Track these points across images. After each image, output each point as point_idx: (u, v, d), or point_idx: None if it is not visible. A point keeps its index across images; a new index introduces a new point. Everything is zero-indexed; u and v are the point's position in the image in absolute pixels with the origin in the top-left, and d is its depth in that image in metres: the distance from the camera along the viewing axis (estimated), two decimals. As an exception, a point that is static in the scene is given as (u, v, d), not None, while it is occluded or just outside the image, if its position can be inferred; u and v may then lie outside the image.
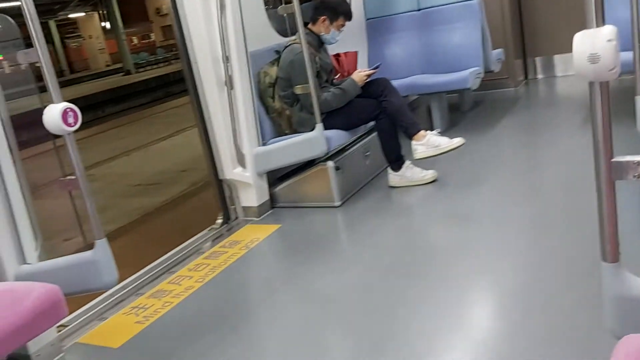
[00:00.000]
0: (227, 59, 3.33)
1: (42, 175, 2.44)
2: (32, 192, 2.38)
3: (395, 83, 4.51)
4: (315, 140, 3.32)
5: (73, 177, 2.03)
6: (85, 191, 2.04)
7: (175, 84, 17.21)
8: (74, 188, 2.05)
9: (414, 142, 3.47)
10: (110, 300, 2.86)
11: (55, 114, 1.85)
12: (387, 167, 3.65)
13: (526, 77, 6.22)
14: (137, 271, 3.17)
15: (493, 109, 5.30)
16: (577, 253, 2.45)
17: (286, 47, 3.55)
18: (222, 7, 3.25)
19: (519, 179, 3.52)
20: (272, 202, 3.69)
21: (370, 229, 3.15)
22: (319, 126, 3.30)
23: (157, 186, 5.92)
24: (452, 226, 3.06)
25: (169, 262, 3.20)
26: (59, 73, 23.83)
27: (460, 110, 5.35)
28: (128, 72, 21.40)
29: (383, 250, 2.87)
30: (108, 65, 26.60)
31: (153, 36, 29.27)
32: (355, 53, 3.89)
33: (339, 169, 3.49)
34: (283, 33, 3.96)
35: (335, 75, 3.83)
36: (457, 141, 3.41)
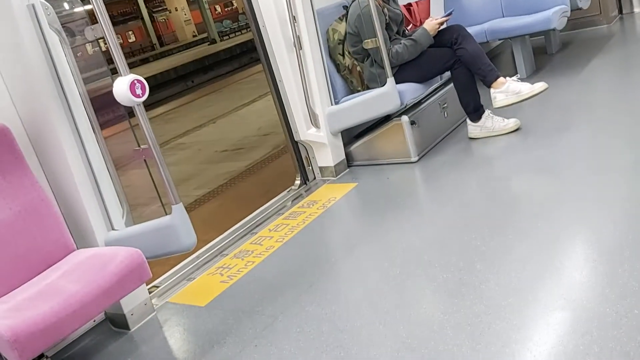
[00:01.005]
0: (294, 19, 3.31)
1: (121, 149, 2.57)
2: (115, 165, 2.51)
3: (473, 29, 4.34)
4: (387, 95, 3.25)
5: (146, 147, 2.11)
6: (157, 159, 2.12)
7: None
8: (148, 156, 2.14)
9: (492, 90, 3.33)
10: (197, 262, 3.01)
11: (123, 86, 1.93)
12: (465, 119, 3.53)
13: (620, 12, 5.73)
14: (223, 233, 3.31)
15: (583, 50, 4.94)
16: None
17: (353, 1, 3.47)
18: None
19: (612, 124, 3.24)
20: (348, 161, 3.69)
21: (449, 183, 3.08)
22: (391, 80, 3.23)
23: (242, 151, 6.08)
24: (539, 177, 2.91)
25: (251, 224, 3.30)
26: (150, 47, 24.76)
27: (547, 53, 5.03)
28: (213, 41, 21.82)
29: (463, 205, 2.79)
30: (194, 36, 27.25)
31: (235, 3, 29.60)
32: (428, 1, 3.74)
33: (414, 123, 3.41)
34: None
35: (408, 26, 3.71)
36: (540, 86, 3.22)
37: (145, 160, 2.27)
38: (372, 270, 2.44)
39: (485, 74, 3.33)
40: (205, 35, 23.69)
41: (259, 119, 7.24)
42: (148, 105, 10.32)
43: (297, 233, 3.00)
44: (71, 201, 2.36)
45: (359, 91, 3.58)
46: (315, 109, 3.48)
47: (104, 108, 2.42)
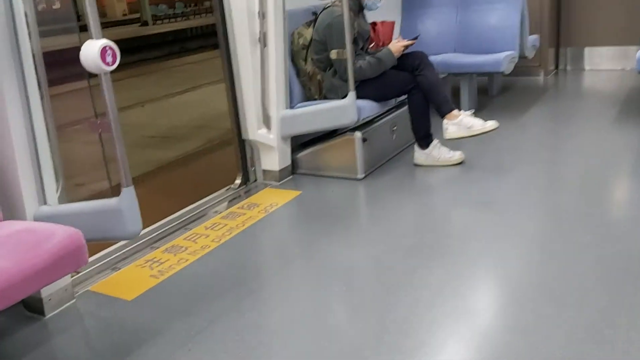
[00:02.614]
0: (263, 16, 3.21)
1: (71, 114, 2.35)
2: (59, 132, 2.30)
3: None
4: (346, 109, 3.22)
5: (105, 121, 1.93)
6: (117, 134, 1.96)
7: (192, 40, 17.00)
8: (105, 130, 1.96)
9: (445, 121, 3.37)
10: (124, 251, 2.81)
11: (93, 51, 1.76)
12: (413, 144, 3.56)
13: (557, 67, 6.07)
14: (152, 224, 3.12)
15: (522, 96, 5.18)
16: (603, 250, 2.37)
17: (324, 8, 3.42)
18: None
19: (544, 168, 3.46)
20: (294, 168, 3.61)
21: (391, 206, 3.07)
22: (352, 94, 3.19)
23: (172, 140, 5.83)
24: (473, 211, 2.98)
25: (184, 219, 3.14)
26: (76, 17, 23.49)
27: (489, 95, 5.22)
28: (145, 23, 21.10)
29: (402, 230, 2.80)
30: (124, 15, 26.25)
31: (173, -11, 28.87)
32: (393, 23, 3.75)
33: (366, 140, 3.39)
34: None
35: (370, 44, 3.70)
36: (491, 124, 3.31)
37: (100, 134, 2.08)
38: (308, 288, 2.37)
39: (441, 104, 3.37)
40: (137, 15, 22.87)
41: (191, 110, 7.00)
42: (67, 78, 9.62)
43: (236, 235, 2.87)
44: (3, 165, 2.12)
45: (315, 99, 3.52)
46: (269, 110, 3.38)
47: (64, 65, 2.21)
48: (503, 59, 4.34)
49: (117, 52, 1.81)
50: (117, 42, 1.79)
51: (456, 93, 4.75)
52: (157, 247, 2.83)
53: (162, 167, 4.94)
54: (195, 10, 19.71)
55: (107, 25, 21.38)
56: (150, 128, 6.34)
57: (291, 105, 3.48)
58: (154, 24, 21.33)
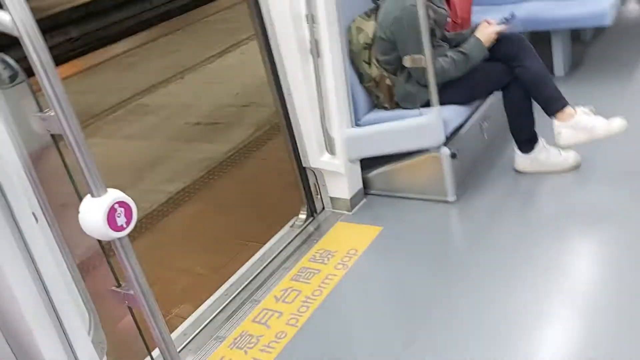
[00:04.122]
0: (312, 19, 2.52)
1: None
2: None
3: (506, 11, 3.61)
4: (430, 128, 2.56)
5: (129, 292, 1.38)
6: (150, 309, 1.40)
7: None
8: (133, 304, 1.41)
9: (557, 123, 2.66)
10: (182, 345, 2.34)
11: (97, 218, 1.19)
12: (508, 138, 2.88)
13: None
14: (214, 285, 2.64)
15: (627, 37, 4.26)
16: None
17: (388, -4, 2.68)
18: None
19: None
20: (365, 187, 3.01)
21: (501, 241, 2.47)
22: (436, 110, 2.52)
23: (218, 127, 5.27)
24: (596, 237, 2.39)
25: (249, 278, 2.63)
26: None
27: (581, 41, 4.34)
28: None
29: (531, 275, 2.21)
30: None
31: None
32: (470, -3, 2.97)
33: (456, 156, 2.73)
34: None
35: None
36: (618, 125, 2.58)
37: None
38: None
39: (549, 101, 2.65)
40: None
41: (235, 80, 6.37)
42: (102, 42, 9.08)
43: (315, 311, 2.35)
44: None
45: (385, 108, 2.86)
46: (331, 131, 2.75)
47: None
48: (609, 9, 3.48)
49: (133, 207, 1.23)
50: None
51: (543, 53, 3.92)
52: (223, 338, 2.34)
53: (212, 170, 4.42)
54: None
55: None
56: (194, 110, 5.78)
57: (357, 119, 2.83)
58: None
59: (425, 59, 2.41)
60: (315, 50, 2.57)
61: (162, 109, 6.03)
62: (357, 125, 2.82)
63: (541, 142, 2.81)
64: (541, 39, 3.90)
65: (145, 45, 9.38)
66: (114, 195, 1.22)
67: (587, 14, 3.55)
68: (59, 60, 9.98)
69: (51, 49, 1.30)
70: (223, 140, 4.93)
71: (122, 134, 5.57)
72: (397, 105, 2.81)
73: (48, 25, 12.55)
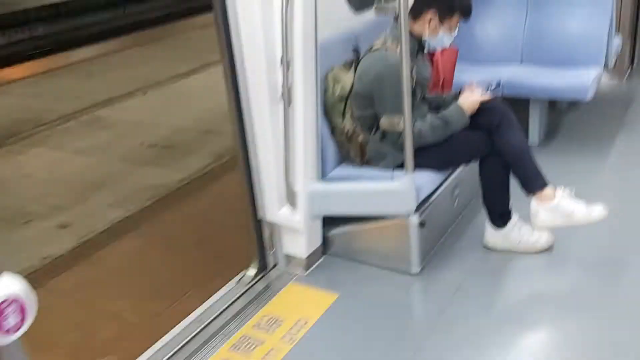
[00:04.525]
0: (287, 65, 2.30)
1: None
2: None
3: (485, 72, 3.50)
4: (401, 194, 2.35)
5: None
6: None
7: None
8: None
9: (535, 203, 2.50)
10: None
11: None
12: (482, 211, 2.70)
13: (632, 64, 5.05)
14: (143, 339, 2.35)
15: (603, 110, 4.19)
16: None
17: (371, 49, 2.49)
18: (289, -13, 2.18)
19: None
20: (324, 245, 2.78)
21: (463, 326, 2.27)
22: (410, 177, 2.32)
23: (174, 151, 4.98)
24: (572, 329, 2.19)
25: (182, 342, 2.33)
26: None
27: (557, 109, 4.26)
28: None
29: None
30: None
31: None
32: (456, 52, 2.82)
33: (424, 225, 2.53)
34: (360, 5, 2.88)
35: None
36: (598, 213, 2.43)
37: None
38: None
39: (529, 180, 2.49)
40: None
41: (199, 102, 6.10)
42: (67, 44, 8.60)
43: (253, 392, 2.08)
44: None
45: (354, 163, 2.64)
46: (294, 183, 2.52)
47: None
48: (590, 84, 3.39)
49: (28, 306, 0.96)
50: None
51: (518, 119, 3.81)
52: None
53: (162, 199, 4.12)
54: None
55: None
56: (152, 130, 5.47)
57: (324, 173, 2.61)
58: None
59: (404, 122, 2.21)
60: (287, 97, 2.35)
61: (118, 125, 5.70)
62: (324, 180, 2.59)
63: (515, 218, 2.64)
64: (517, 104, 3.80)
65: (110, 54, 9.02)
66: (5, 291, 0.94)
67: (568, 86, 3.45)
68: (17, 59, 9.56)
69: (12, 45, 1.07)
70: (178, 167, 4.64)
71: (71, 147, 5.21)
72: (367, 163, 2.60)
73: (12, 20, 12.06)
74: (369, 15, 3.07)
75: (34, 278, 3.30)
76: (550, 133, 3.87)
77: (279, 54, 2.29)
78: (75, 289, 3.12)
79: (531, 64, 3.81)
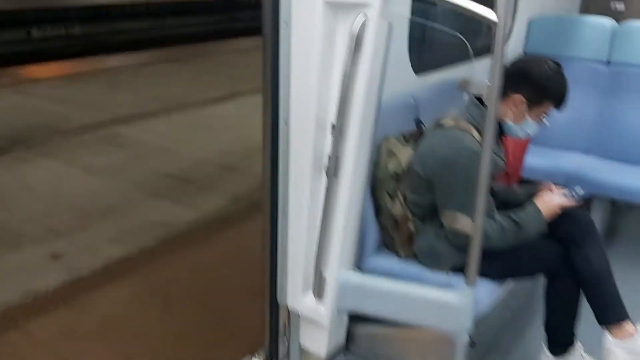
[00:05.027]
0: (339, 132, 1.91)
1: None
2: None
3: (544, 157, 3.11)
4: (456, 308, 1.92)
5: None
6: None
7: (248, 10, 14.96)
8: None
9: (610, 338, 2.06)
10: None
11: None
12: (538, 330, 2.26)
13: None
14: None
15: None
16: None
17: (439, 124, 2.10)
18: (357, 42, 1.79)
19: None
20: (346, 343, 2.35)
21: None
22: (471, 290, 1.89)
23: (190, 185, 4.61)
24: None
25: None
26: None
27: (617, 207, 3.82)
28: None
29: None
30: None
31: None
32: (527, 142, 2.41)
33: (474, 345, 2.10)
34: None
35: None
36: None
37: None
38: None
39: (606, 310, 2.06)
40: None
41: (226, 134, 5.76)
42: (99, 48, 8.26)
43: None
44: None
45: (398, 254, 2.23)
46: (325, 269, 2.10)
47: None
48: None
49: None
50: None
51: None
52: None
53: (166, 242, 3.73)
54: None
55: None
56: (171, 158, 5.12)
57: (360, 260, 2.20)
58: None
59: (473, 225, 1.80)
60: (333, 168, 1.95)
61: (136, 146, 5.36)
62: (359, 268, 2.18)
63: (578, 347, 2.20)
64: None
65: (140, 66, 8.77)
66: None
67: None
68: (47, 56, 9.33)
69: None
70: (190, 204, 4.26)
71: (82, 163, 4.87)
72: (415, 257, 2.19)
73: (50, 15, 11.96)
74: (432, 78, 2.73)
75: (11, 316, 2.91)
76: (610, 236, 3.44)
77: (331, 115, 1.91)
78: (55, 338, 2.72)
79: (599, 155, 3.40)
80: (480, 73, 3.07)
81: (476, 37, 3.10)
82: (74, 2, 12.95)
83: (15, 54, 10.19)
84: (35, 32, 11.61)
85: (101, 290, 3.17)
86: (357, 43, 1.76)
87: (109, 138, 5.47)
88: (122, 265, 3.42)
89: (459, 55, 2.94)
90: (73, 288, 3.19)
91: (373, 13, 1.74)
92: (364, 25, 1.75)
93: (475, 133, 2.01)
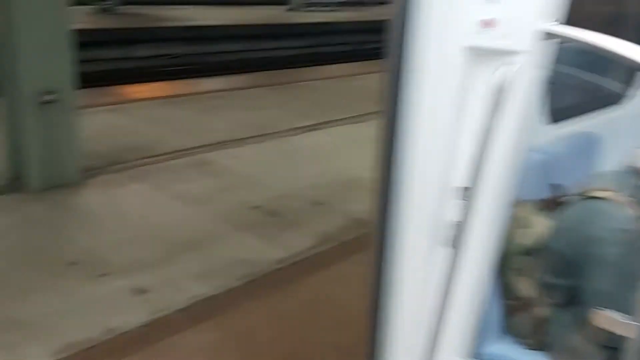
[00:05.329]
0: (468, 196, 1.59)
1: None
2: None
3: None
4: None
5: None
6: None
7: (342, 35, 14.83)
8: None
9: None
10: None
11: None
12: None
13: None
14: None
15: None
16: None
17: (585, 194, 1.73)
18: (501, 94, 1.48)
19: None
20: None
21: None
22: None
23: (277, 221, 4.41)
24: None
25: None
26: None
27: None
28: (291, 9, 19.58)
29: None
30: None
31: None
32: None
33: None
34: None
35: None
36: None
37: None
38: None
39: None
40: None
41: (316, 165, 5.55)
42: (198, 66, 8.29)
43: None
44: None
45: (524, 343, 1.87)
46: (434, 355, 1.78)
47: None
48: None
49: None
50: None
51: None
52: None
53: (251, 284, 3.52)
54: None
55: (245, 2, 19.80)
56: (258, 189, 4.95)
57: (479, 347, 1.86)
58: (305, 10, 19.37)
59: (627, 324, 1.43)
60: (458, 238, 1.64)
61: (224, 174, 5.24)
62: (477, 357, 1.84)
63: None
64: None
65: (235, 90, 8.78)
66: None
67: None
68: (150, 75, 9.61)
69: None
70: (276, 242, 4.06)
71: (172, 190, 4.79)
72: (545, 349, 1.82)
73: (152, 36, 12.38)
74: (565, 128, 2.36)
75: (91, 357, 2.77)
76: None
77: (458, 175, 1.60)
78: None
79: None
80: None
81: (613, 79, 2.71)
82: (179, 23, 13.41)
83: (116, 71, 10.60)
84: (140, 51, 12.09)
85: (181, 334, 3.00)
86: (501, 94, 1.45)
87: (199, 164, 5.40)
88: (205, 306, 3.25)
89: (596, 102, 2.56)
90: (155, 328, 3.04)
91: (524, 61, 1.43)
92: (511, 74, 1.44)
93: (632, 209, 1.64)
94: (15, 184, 4.50)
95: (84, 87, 5.02)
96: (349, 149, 5.97)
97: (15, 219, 4.11)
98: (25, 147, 4.46)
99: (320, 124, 6.85)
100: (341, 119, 6.89)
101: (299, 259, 3.82)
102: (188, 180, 4.99)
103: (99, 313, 3.10)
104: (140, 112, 6.93)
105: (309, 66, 11.44)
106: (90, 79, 6.43)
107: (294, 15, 16.75)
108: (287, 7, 17.80)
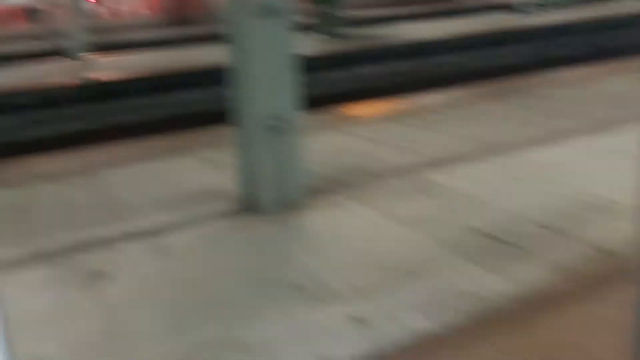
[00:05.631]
0: None
1: None
2: None
3: None
4: None
5: None
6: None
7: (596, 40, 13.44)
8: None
9: None
10: None
11: None
12: None
13: None
14: None
15: None
16: None
17: None
18: None
19: None
20: None
21: None
22: None
23: (505, 249, 3.99)
24: None
25: None
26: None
27: None
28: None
29: None
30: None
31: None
32: None
33: None
34: None
35: None
36: None
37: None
38: None
39: None
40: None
41: (548, 185, 4.98)
42: (417, 85, 8.20)
43: None
44: None
45: None
46: None
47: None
48: None
49: None
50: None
51: None
52: None
53: (477, 320, 3.19)
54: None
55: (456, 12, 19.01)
56: (487, 213, 4.56)
57: None
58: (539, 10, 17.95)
59: None
60: None
61: (447, 195, 4.97)
62: None
63: None
64: None
65: (455, 103, 8.46)
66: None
67: None
68: (375, 93, 9.81)
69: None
70: (504, 272, 3.66)
71: (393, 212, 4.67)
72: None
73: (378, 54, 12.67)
74: None
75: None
76: None
77: None
78: None
79: None
80: None
81: None
82: (402, 39, 13.55)
83: (341, 92, 11.01)
84: (366, 70, 12.47)
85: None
86: None
87: (421, 184, 5.21)
88: (427, 343, 3.02)
89: None
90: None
91: None
92: None
93: None
94: (248, 206, 4.80)
95: (311, 109, 5.20)
96: (588, 164, 5.27)
97: (245, 239, 4.37)
98: (257, 171, 4.73)
99: (549, 136, 6.21)
100: (574, 130, 6.16)
101: (530, 294, 3.39)
102: (410, 201, 4.83)
103: (312, 341, 3.07)
104: (358, 130, 7.01)
105: (538, 72, 10.60)
106: (319, 102, 6.70)
107: (521, 18, 15.80)
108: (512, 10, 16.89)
